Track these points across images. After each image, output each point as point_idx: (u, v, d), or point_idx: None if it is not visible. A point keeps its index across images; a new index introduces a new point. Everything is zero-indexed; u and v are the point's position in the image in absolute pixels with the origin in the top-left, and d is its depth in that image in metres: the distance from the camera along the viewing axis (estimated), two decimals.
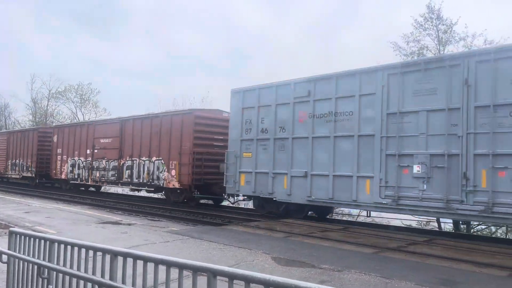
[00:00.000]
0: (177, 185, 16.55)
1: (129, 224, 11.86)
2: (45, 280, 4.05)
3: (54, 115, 48.53)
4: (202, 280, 2.67)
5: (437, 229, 17.13)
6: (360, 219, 15.21)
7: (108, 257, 3.41)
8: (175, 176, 16.61)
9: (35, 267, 4.17)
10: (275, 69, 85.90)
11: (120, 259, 3.31)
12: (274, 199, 12.84)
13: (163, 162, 17.18)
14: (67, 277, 3.81)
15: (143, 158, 18.12)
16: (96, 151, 21.05)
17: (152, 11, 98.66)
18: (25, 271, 4.37)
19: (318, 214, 14.45)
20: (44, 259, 4.08)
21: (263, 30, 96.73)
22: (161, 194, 20.17)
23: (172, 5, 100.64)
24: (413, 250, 8.49)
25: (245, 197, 14.48)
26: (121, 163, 19.32)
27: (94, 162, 21.13)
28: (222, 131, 16.16)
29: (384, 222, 15.00)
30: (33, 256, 4.25)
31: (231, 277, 2.40)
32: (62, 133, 23.82)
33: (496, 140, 8.63)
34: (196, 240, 8.98)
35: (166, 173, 16.99)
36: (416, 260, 7.57)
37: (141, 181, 18.19)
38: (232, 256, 7.42)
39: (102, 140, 20.70)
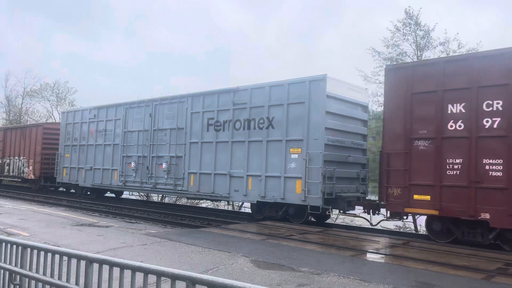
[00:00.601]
0: (32, 177, 23.71)
1: (106, 226, 11.63)
2: (17, 287, 3.91)
3: (29, 113, 47.32)
4: (181, 284, 2.61)
5: (414, 231, 17.38)
6: (339, 221, 15.38)
7: (83, 263, 3.30)
8: (32, 171, 23.67)
9: (7, 273, 4.02)
10: (257, 68, 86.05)
11: (95, 265, 3.21)
12: (79, 185, 20.15)
13: (26, 160, 24.26)
14: (40, 284, 3.67)
15: (16, 158, 25.24)
16: None
17: (132, 10, 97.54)
18: None
19: (116, 195, 22.52)
20: (16, 265, 3.93)
21: (244, 30, 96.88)
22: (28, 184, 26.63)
23: (152, 4, 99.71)
24: (390, 252, 8.60)
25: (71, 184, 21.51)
26: (4, 161, 26.43)
27: None
28: None
29: (363, 224, 15.14)
30: (4, 262, 4.09)
31: (210, 285, 2.35)
32: None
33: (158, 148, 16.28)
34: (174, 243, 8.86)
35: (27, 168, 24.11)
36: (394, 263, 7.66)
37: (14, 174, 25.36)
38: (211, 260, 7.34)
39: None
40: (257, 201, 13.19)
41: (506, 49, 9.00)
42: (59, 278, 3.49)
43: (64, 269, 3.49)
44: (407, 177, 10.03)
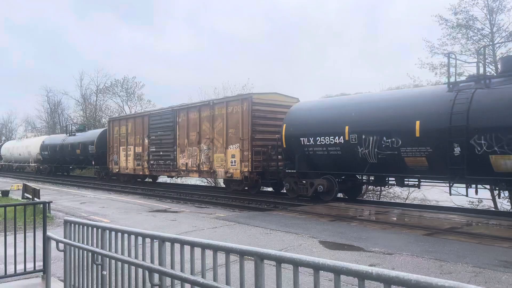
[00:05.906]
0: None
1: (178, 212, 12.13)
2: (99, 266, 4.18)
3: (103, 109, 50.42)
4: (250, 265, 2.63)
5: (493, 209, 16.29)
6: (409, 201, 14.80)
7: (156, 243, 3.45)
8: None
9: (89, 254, 4.31)
10: (319, 48, 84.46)
11: (168, 244, 3.34)
12: None
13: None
14: (119, 263, 3.90)
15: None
16: None
17: None
18: (80, 258, 4.54)
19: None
20: (97, 246, 4.20)
21: (304, 8, 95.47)
22: None
23: None
24: (468, 231, 8.10)
25: None
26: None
27: None
28: None
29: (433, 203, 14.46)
30: (87, 244, 4.39)
31: (279, 260, 2.34)
32: None
33: None
34: (242, 226, 9.03)
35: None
36: (472, 242, 7.21)
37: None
38: (279, 241, 7.39)
39: None
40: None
41: None
42: (136, 257, 3.68)
43: (140, 249, 3.67)
44: None
